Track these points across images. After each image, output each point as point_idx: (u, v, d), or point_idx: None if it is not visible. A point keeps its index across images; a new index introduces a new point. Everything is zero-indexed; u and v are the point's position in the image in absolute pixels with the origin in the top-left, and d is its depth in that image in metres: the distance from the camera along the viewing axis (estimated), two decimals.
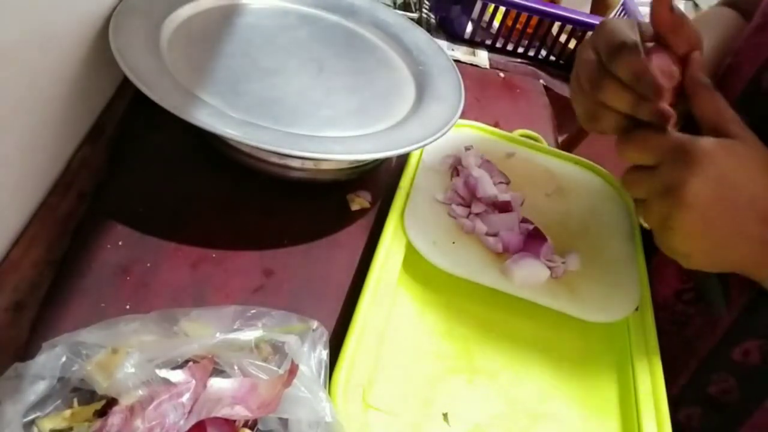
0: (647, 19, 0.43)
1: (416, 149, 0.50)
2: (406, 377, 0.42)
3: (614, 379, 0.47)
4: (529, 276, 0.48)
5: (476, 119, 0.64)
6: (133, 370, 0.32)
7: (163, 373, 0.33)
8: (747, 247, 0.38)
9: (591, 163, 0.64)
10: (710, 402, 0.51)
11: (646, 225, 0.41)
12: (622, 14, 0.93)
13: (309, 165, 0.49)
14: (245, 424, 0.33)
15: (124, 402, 0.31)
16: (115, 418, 0.30)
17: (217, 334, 0.35)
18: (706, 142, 0.37)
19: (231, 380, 0.33)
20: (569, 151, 0.66)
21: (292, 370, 0.33)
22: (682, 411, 0.52)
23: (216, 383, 0.33)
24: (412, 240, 0.48)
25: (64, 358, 0.33)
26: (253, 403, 0.32)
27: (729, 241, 0.38)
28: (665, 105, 0.39)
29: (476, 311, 0.48)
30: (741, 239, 0.37)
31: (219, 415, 0.32)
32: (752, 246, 0.38)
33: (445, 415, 0.41)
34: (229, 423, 0.32)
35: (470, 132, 0.62)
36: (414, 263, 0.48)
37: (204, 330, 0.36)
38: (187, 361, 0.34)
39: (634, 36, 0.41)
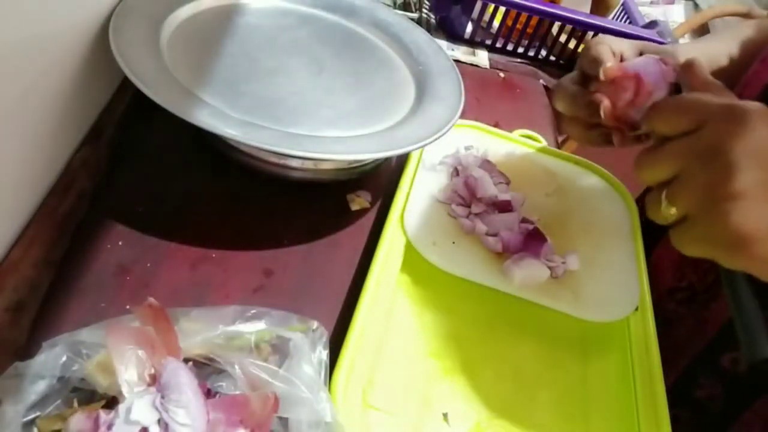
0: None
1: (416, 149, 0.50)
2: (406, 377, 0.42)
3: (614, 379, 0.47)
4: (529, 276, 0.47)
5: (476, 119, 0.64)
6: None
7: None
8: None
9: (591, 163, 0.64)
10: (697, 406, 0.51)
11: (662, 218, 0.36)
12: (622, 14, 0.93)
13: (309, 165, 0.50)
14: None
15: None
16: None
17: (220, 326, 0.35)
18: (753, 104, 0.33)
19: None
20: (569, 151, 0.66)
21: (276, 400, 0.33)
22: (670, 412, 0.52)
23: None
24: (412, 240, 0.48)
25: (64, 358, 0.33)
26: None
27: None
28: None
29: (476, 311, 0.48)
30: None
31: None
32: None
33: (445, 415, 0.41)
34: None
35: (470, 132, 0.62)
36: (414, 263, 0.48)
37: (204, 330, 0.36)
38: (187, 360, 0.34)
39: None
